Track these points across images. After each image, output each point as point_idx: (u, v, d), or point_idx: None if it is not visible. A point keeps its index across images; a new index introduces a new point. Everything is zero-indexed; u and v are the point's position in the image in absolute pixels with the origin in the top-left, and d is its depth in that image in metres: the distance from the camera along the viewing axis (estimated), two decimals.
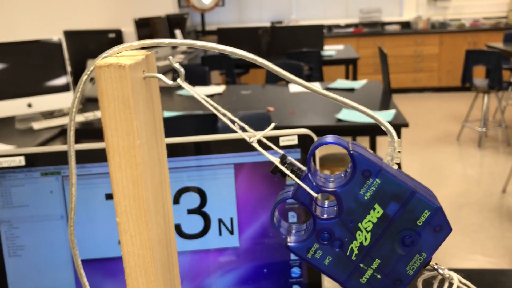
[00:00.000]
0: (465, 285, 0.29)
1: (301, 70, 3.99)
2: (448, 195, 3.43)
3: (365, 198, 0.28)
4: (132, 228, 0.26)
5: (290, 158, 0.28)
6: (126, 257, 0.26)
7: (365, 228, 0.28)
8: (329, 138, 0.29)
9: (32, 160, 0.62)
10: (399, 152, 0.28)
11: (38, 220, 0.63)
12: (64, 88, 2.63)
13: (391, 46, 6.43)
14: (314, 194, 0.28)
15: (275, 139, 0.63)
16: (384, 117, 2.48)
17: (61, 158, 0.63)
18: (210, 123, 2.29)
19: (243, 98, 3.09)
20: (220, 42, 5.39)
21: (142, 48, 0.27)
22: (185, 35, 5.76)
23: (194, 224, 0.64)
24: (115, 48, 0.25)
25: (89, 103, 2.96)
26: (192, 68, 4.30)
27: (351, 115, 2.51)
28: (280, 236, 0.26)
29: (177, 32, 5.33)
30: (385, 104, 2.84)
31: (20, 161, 0.62)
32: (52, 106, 2.62)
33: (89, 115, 2.65)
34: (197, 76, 4.09)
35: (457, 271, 0.61)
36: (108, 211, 0.63)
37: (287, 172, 0.28)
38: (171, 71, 4.33)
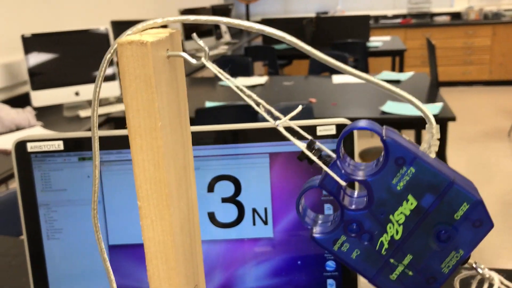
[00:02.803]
0: (507, 286, 0.26)
1: (346, 61, 3.92)
2: (496, 192, 3.30)
3: (398, 188, 0.26)
4: (153, 213, 0.25)
5: (318, 144, 0.27)
6: (147, 243, 0.25)
7: (397, 221, 0.26)
8: (362, 122, 0.27)
9: (70, 145, 0.63)
10: (437, 139, 0.26)
11: (76, 204, 0.64)
12: (110, 77, 2.69)
13: (440, 37, 6.23)
14: (342, 183, 0.26)
15: (312, 128, 0.62)
16: (430, 110, 2.40)
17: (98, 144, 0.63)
18: (251, 113, 2.28)
19: (285, 89, 3.07)
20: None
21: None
22: (229, 27, 5.78)
23: (228, 212, 0.63)
24: (139, 26, 0.24)
25: None
26: (235, 59, 4.31)
27: (397, 107, 2.44)
28: (305, 226, 0.25)
29: None
30: (432, 97, 2.75)
31: (59, 145, 0.63)
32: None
33: None
34: (240, 67, 4.09)
35: (502, 271, 0.58)
36: None
37: (314, 158, 0.26)
38: (214, 62, 4.36)
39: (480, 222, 0.26)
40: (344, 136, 0.26)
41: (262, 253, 0.64)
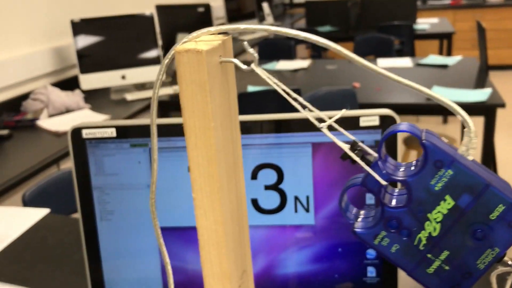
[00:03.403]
0: None
1: (391, 44, 3.84)
2: None
3: (436, 188, 0.27)
4: (206, 204, 0.27)
5: (361, 144, 0.28)
6: (200, 230, 0.28)
7: (435, 219, 0.27)
8: (403, 126, 0.28)
9: (123, 132, 0.66)
10: (475, 142, 0.27)
11: (127, 188, 0.68)
12: (155, 61, 2.75)
13: (493, 19, 5.98)
14: (383, 182, 0.27)
15: (355, 120, 0.62)
16: (478, 96, 2.33)
17: (149, 131, 0.66)
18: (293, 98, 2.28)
19: (328, 73, 3.05)
20: (307, 15, 5.32)
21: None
22: (273, 8, 5.74)
23: (270, 199, 0.65)
24: (194, 33, 0.26)
25: None
26: (277, 42, 4.29)
27: (443, 93, 2.39)
28: (348, 221, 0.26)
29: (265, 5, 5.33)
30: (480, 82, 2.67)
31: (112, 132, 0.66)
32: (144, 79, 2.75)
33: (177, 88, 2.75)
34: (282, 50, 4.08)
35: None
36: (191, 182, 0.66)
37: (357, 158, 0.27)
38: (256, 45, 4.36)
39: None
40: (384, 140, 0.27)
41: (304, 239, 0.66)
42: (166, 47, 3.24)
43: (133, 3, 3.37)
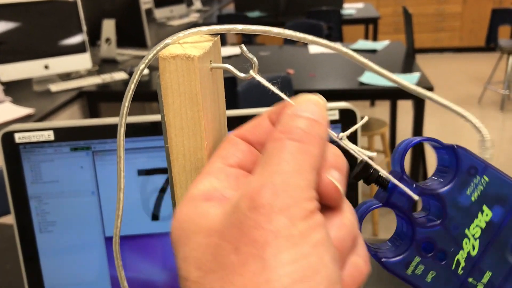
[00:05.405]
0: None
1: (321, 30, 3.89)
2: None
3: (472, 199, 0.24)
4: None
5: (374, 165, 0.25)
6: None
7: (473, 235, 0.24)
8: (418, 138, 0.25)
9: (61, 135, 0.60)
10: (491, 152, 0.25)
11: (69, 196, 0.62)
12: (80, 49, 2.59)
13: (412, 4, 6.22)
14: (416, 198, 0.24)
15: None
16: (408, 81, 2.41)
17: (91, 133, 0.60)
18: (229, 86, 2.24)
19: (261, 59, 3.03)
20: (236, 0, 5.26)
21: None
22: None
23: None
24: (180, 34, 0.21)
25: (105, 64, 2.92)
26: None
27: (375, 78, 2.44)
28: (368, 251, 0.23)
29: None
30: (408, 66, 2.76)
31: (49, 135, 0.59)
32: (69, 68, 2.59)
33: (106, 77, 2.61)
34: None
35: None
36: (140, 187, 0.61)
37: (384, 173, 0.24)
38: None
39: None
40: (406, 153, 0.25)
41: None
42: (91, 34, 3.07)
43: None
